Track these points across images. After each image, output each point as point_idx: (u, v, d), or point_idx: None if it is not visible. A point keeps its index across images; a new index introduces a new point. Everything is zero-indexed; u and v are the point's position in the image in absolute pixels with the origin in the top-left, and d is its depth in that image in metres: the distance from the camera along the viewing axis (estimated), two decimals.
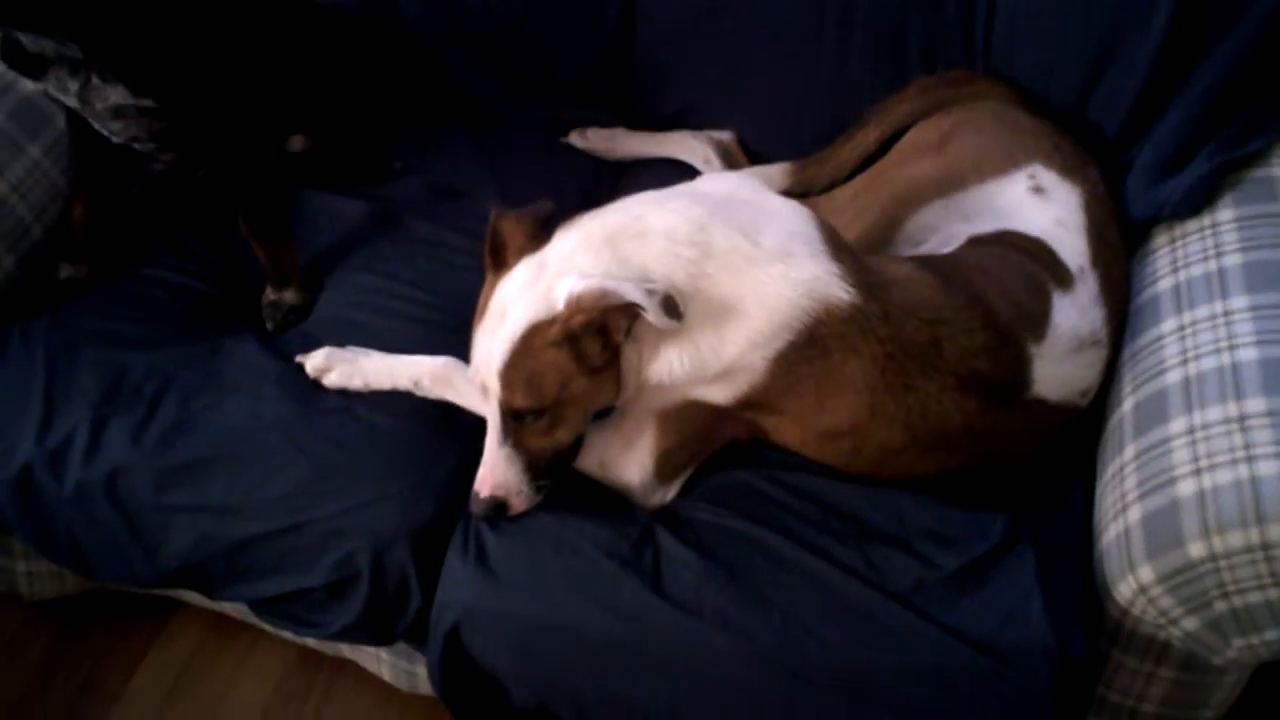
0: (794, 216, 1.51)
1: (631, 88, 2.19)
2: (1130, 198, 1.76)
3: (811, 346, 1.44)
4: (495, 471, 1.50)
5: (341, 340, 1.77)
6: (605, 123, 2.22)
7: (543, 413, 1.46)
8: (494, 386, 1.45)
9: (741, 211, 1.49)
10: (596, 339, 1.41)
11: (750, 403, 1.51)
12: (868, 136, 1.98)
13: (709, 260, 1.43)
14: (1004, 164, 1.75)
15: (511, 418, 1.47)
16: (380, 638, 1.68)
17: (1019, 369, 1.52)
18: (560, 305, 1.40)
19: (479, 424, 1.54)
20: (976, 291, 1.52)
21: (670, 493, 1.60)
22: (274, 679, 2.08)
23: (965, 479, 1.58)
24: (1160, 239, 1.69)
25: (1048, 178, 1.73)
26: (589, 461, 1.59)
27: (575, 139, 2.22)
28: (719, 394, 1.51)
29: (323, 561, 1.61)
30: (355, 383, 1.70)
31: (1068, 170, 1.74)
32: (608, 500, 1.59)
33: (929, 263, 1.59)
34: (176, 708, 2.04)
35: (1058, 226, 1.67)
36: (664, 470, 1.58)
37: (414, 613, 1.62)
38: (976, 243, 1.67)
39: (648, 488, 1.58)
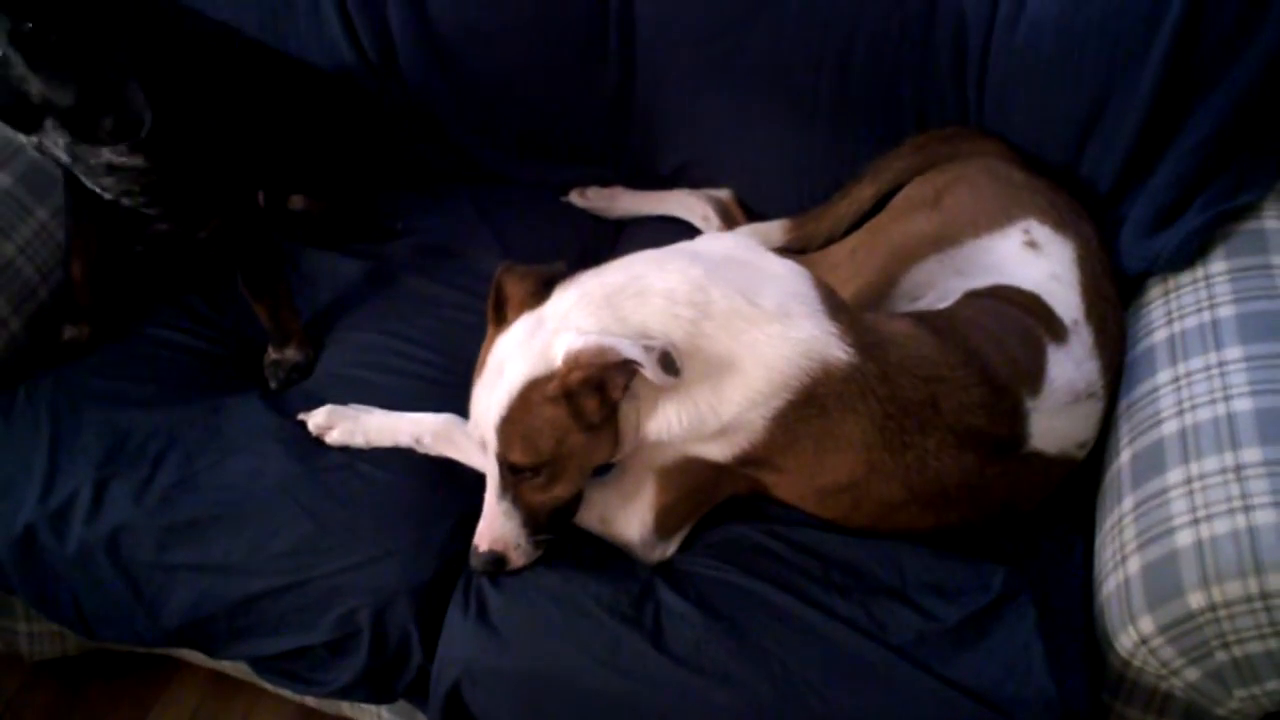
0: (791, 277, 1.52)
1: (630, 147, 2.22)
2: (1124, 251, 1.78)
3: (810, 405, 1.45)
4: (494, 526, 1.50)
5: (344, 397, 1.78)
6: (604, 181, 2.23)
7: (540, 469, 1.46)
8: (492, 441, 1.46)
9: (740, 272, 1.50)
10: (594, 395, 1.42)
11: (749, 460, 1.52)
12: (863, 193, 1.99)
13: (708, 320, 1.44)
14: (999, 219, 1.77)
15: (510, 472, 1.47)
16: (381, 696, 1.67)
17: (1016, 423, 1.53)
18: (558, 361, 1.41)
19: (480, 480, 1.54)
20: (973, 347, 1.53)
21: (671, 548, 1.60)
22: None
23: (966, 532, 1.57)
24: (1154, 291, 1.72)
25: (1042, 232, 1.74)
26: (589, 517, 1.59)
27: (575, 198, 2.23)
28: (718, 451, 1.52)
29: (324, 619, 1.60)
30: (357, 440, 1.71)
31: (1062, 225, 1.75)
32: (609, 555, 1.59)
33: (925, 319, 1.60)
34: None
35: (1052, 281, 1.69)
36: (664, 526, 1.58)
37: (415, 670, 1.61)
38: (972, 297, 1.68)
39: (648, 543, 1.58)
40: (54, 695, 2.15)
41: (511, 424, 1.44)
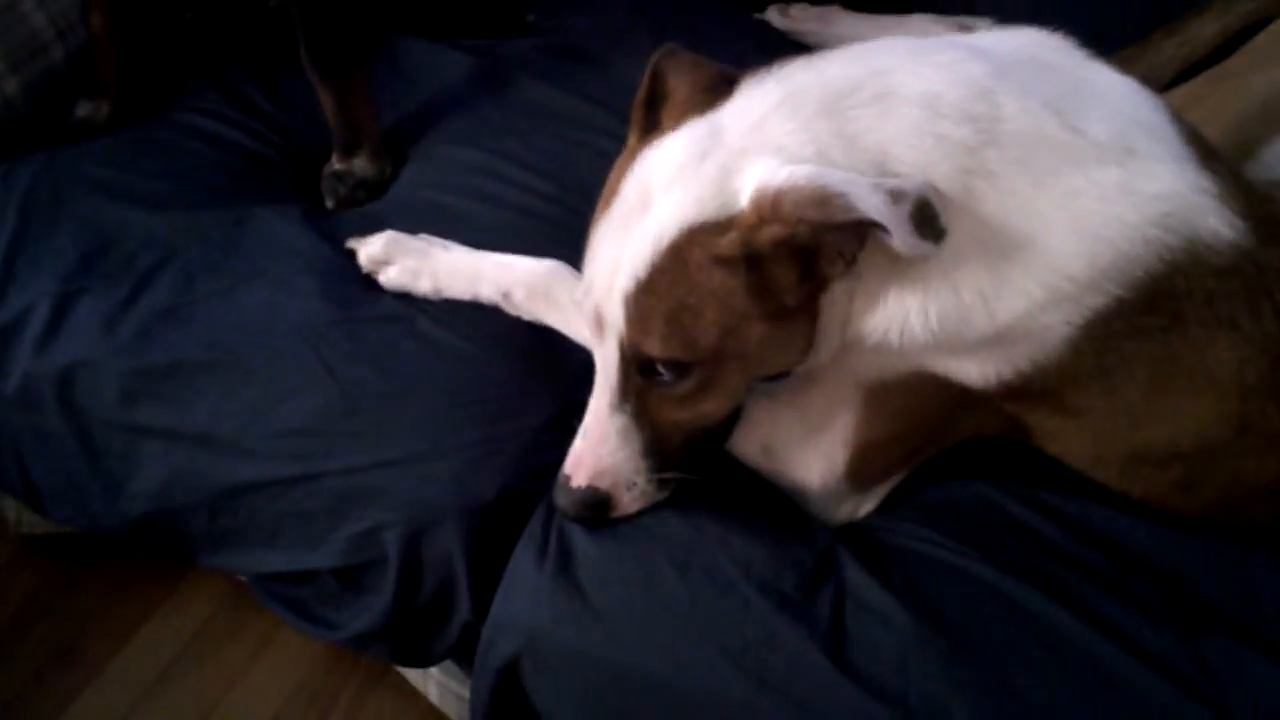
0: (1134, 96, 0.97)
1: None
2: None
3: (1155, 310, 0.92)
4: (600, 450, 1.00)
5: (418, 227, 1.28)
6: None
7: (688, 369, 0.95)
8: (615, 317, 0.94)
9: (1050, 80, 0.94)
10: (793, 266, 0.89)
11: (1025, 389, 0.97)
12: (1205, 30, 1.42)
13: (993, 148, 0.89)
14: None
15: (637, 371, 0.97)
16: (409, 656, 1.22)
17: None
18: (744, 203, 0.89)
19: (590, 366, 1.02)
20: None
21: (867, 505, 1.08)
22: (294, 676, 1.68)
23: None
24: None
25: None
26: (748, 444, 1.07)
27: (774, 16, 1.71)
28: (975, 370, 0.97)
29: (337, 534, 1.15)
30: (422, 284, 1.24)
31: None
32: (769, 506, 1.08)
33: None
34: (166, 695, 1.67)
35: None
36: (862, 470, 1.05)
37: (459, 628, 1.15)
38: None
39: (835, 493, 1.06)
40: (44, 579, 1.79)
41: (652, 294, 0.92)
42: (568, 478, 1.02)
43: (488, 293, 1.21)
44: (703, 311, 0.91)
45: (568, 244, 1.13)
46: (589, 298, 0.97)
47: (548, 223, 1.30)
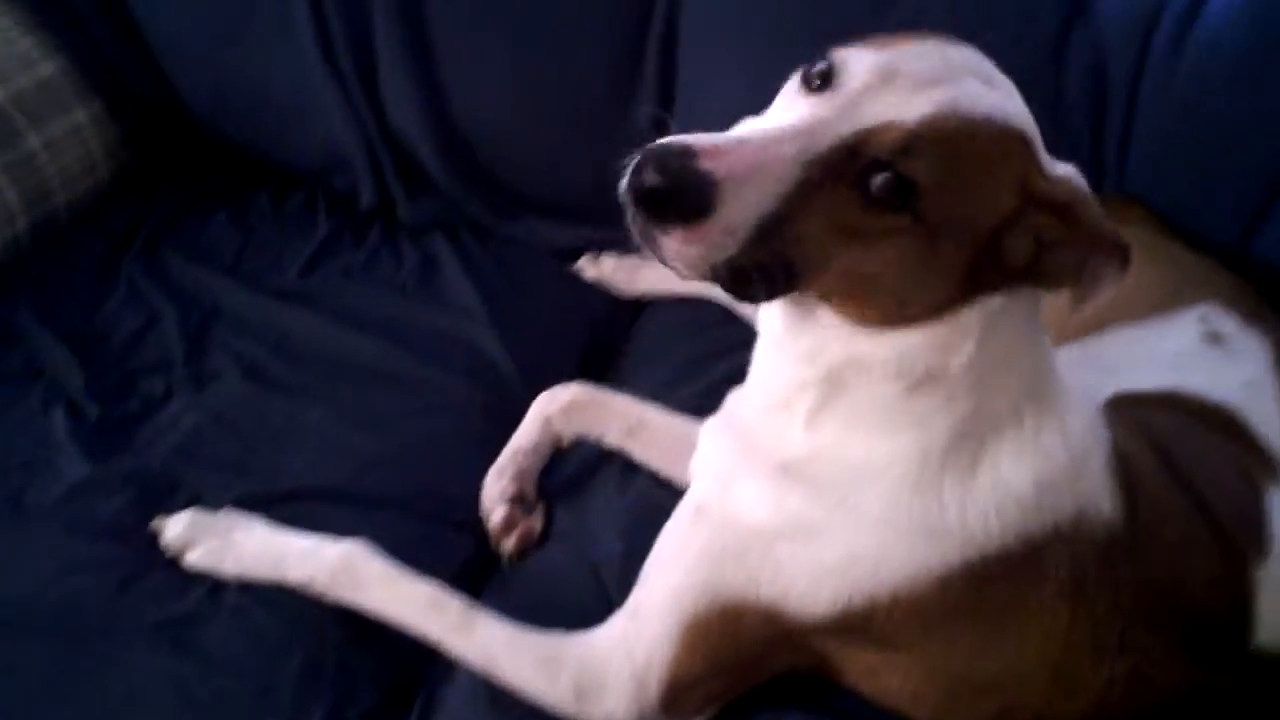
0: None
1: None
2: None
3: (1027, 565, 0.98)
4: (756, 156, 0.83)
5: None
6: (623, 248, 1.77)
7: (912, 204, 0.85)
8: (903, 112, 0.85)
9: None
10: (1028, 246, 0.90)
11: (864, 621, 1.00)
12: None
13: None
14: (1165, 300, 1.30)
15: (853, 169, 0.85)
16: None
17: (1243, 604, 1.04)
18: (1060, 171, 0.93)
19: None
20: (1197, 484, 1.06)
21: None
22: None
23: None
24: None
25: (1226, 323, 1.27)
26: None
27: (585, 267, 1.79)
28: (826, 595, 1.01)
29: None
30: (227, 567, 1.23)
31: (1253, 315, 1.29)
32: None
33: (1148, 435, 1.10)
34: None
35: (1247, 391, 1.20)
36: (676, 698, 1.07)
37: None
38: (1135, 406, 1.16)
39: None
40: None
41: (961, 135, 0.86)
42: (687, 148, 0.81)
43: (293, 578, 1.20)
44: (973, 183, 0.87)
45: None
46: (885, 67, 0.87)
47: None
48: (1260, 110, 1.39)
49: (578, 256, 1.79)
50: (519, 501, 1.32)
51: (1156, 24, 1.44)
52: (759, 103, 0.97)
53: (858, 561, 0.98)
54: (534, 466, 1.36)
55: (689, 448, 1.19)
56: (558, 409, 1.38)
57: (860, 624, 1.00)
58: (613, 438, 1.38)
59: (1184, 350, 1.26)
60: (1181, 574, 1.01)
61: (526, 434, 1.37)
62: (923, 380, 0.94)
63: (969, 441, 0.96)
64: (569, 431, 1.38)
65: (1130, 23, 1.45)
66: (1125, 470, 1.00)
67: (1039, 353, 0.99)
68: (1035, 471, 0.96)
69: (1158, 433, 1.09)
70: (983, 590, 0.97)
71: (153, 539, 1.25)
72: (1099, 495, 0.98)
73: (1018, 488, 0.96)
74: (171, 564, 1.24)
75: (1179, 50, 1.42)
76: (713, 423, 1.15)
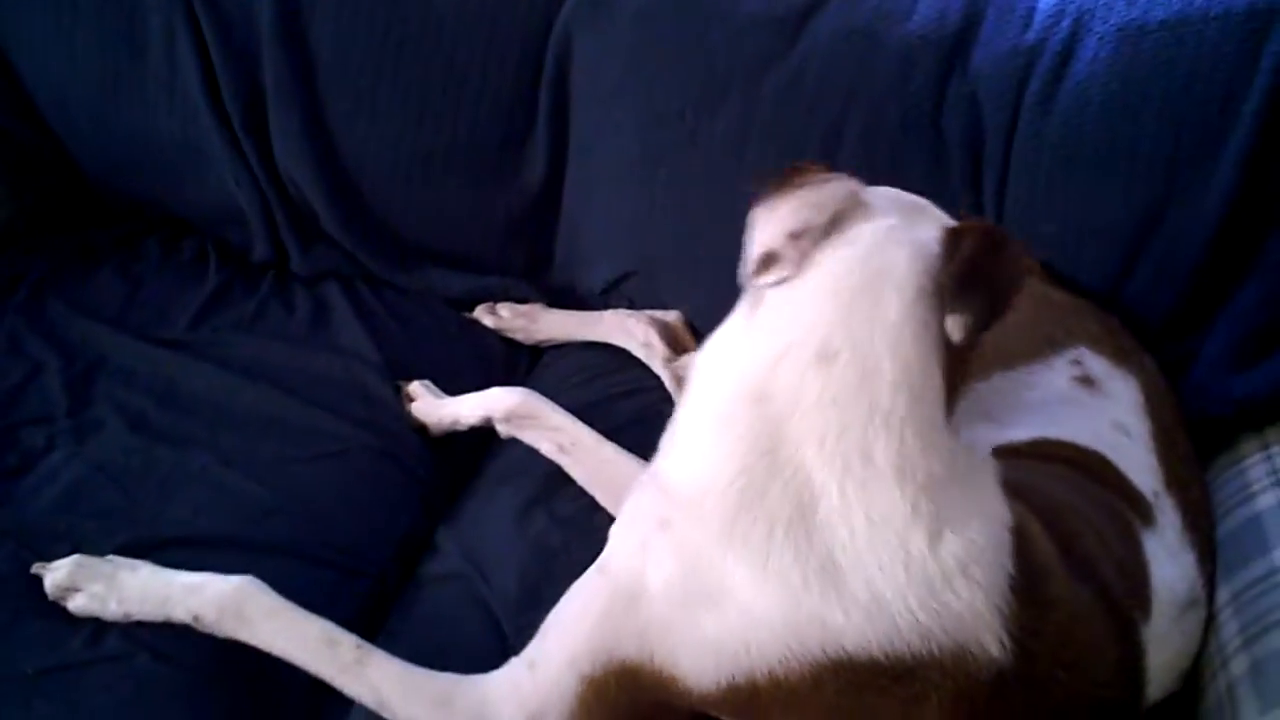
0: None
1: (554, 255, 1.83)
2: (1198, 394, 1.39)
3: (910, 680, 0.93)
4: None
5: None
6: (520, 297, 1.82)
7: None
8: None
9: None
10: None
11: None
12: None
13: None
14: (1038, 345, 1.33)
15: None
16: None
17: (1136, 673, 1.05)
18: None
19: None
20: (1094, 566, 1.05)
21: None
22: None
23: None
24: (1249, 445, 1.32)
25: (1097, 365, 1.32)
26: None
27: (483, 316, 1.81)
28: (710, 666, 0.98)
29: None
30: (111, 609, 1.22)
31: (1121, 355, 1.34)
32: None
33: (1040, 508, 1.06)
34: None
35: (1117, 433, 1.25)
36: None
37: None
38: (1015, 457, 1.16)
39: None
40: None
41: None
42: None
43: (179, 615, 1.19)
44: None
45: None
46: None
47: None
48: (1128, 156, 1.45)
49: (476, 305, 1.81)
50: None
51: (1026, 82, 1.49)
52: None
53: (733, 636, 0.96)
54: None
55: (615, 476, 1.26)
56: (501, 411, 1.46)
57: (746, 705, 0.97)
58: (546, 450, 1.44)
59: (1056, 395, 1.29)
60: (1085, 683, 0.98)
61: (470, 412, 1.49)
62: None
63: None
64: (506, 432, 1.47)
65: (1002, 79, 1.51)
66: (1029, 587, 0.95)
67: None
68: (916, 596, 0.92)
69: (1044, 499, 1.07)
70: (862, 698, 0.93)
71: (31, 588, 1.23)
72: (984, 635, 0.92)
73: (891, 602, 0.92)
74: (50, 613, 1.22)
75: (1048, 106, 1.47)
76: (639, 481, 1.12)
